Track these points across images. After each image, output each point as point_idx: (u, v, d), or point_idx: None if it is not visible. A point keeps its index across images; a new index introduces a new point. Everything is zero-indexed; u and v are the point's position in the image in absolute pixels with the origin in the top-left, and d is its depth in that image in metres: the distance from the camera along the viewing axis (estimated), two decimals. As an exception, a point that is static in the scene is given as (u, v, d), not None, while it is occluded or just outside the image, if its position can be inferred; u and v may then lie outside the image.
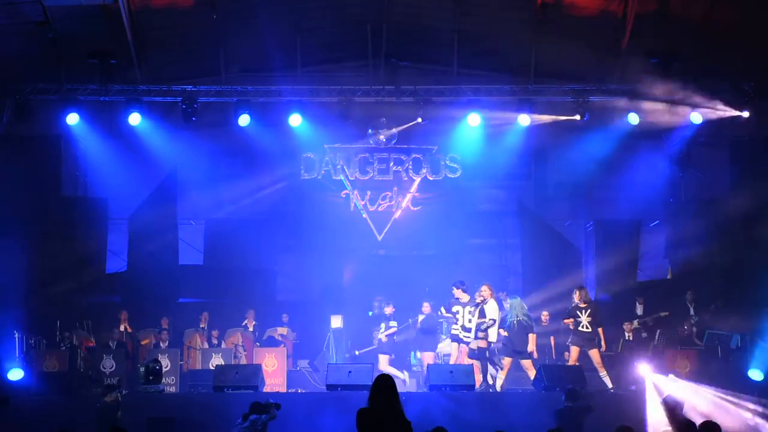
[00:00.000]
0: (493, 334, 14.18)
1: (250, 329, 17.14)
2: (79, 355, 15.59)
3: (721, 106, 16.69)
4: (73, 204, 17.61)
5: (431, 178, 19.03)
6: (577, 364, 14.16)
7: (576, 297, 14.43)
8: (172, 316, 17.47)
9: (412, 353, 16.35)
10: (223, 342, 16.82)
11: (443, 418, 11.64)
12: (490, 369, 14.30)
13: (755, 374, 13.90)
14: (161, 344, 16.60)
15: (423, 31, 17.85)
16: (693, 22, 16.04)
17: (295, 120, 17.01)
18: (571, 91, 16.95)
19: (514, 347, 14.18)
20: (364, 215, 19.10)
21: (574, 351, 14.31)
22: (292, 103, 16.96)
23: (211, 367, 15.28)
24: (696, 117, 16.53)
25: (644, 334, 16.45)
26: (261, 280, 18.76)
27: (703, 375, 14.21)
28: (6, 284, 15.67)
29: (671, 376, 13.79)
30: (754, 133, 17.12)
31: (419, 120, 17.19)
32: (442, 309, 14.85)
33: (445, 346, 15.73)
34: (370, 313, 16.37)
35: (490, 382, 14.24)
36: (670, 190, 18.53)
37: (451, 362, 14.62)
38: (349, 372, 13.62)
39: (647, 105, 16.63)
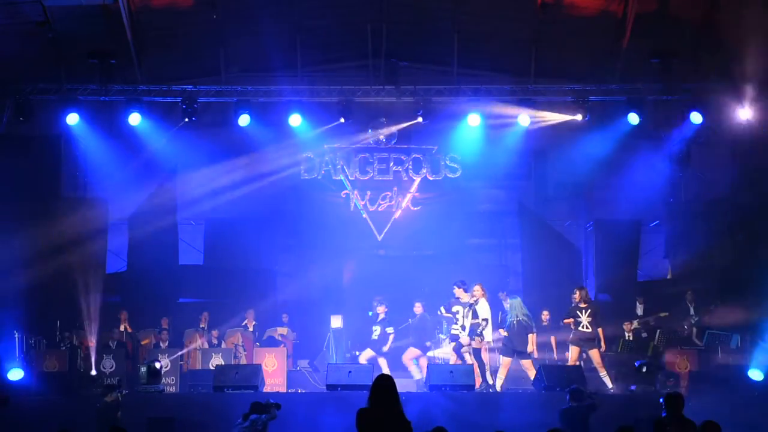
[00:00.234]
0: (488, 334, 14.20)
1: (250, 329, 17.14)
2: (79, 355, 15.60)
3: (720, 106, 16.70)
4: (73, 204, 17.60)
5: (431, 178, 19.04)
6: (577, 364, 14.17)
7: (576, 297, 14.42)
8: (172, 316, 17.48)
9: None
10: (223, 342, 16.82)
11: (443, 418, 11.65)
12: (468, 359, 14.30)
13: (755, 374, 13.89)
14: (161, 344, 16.60)
15: (423, 31, 17.84)
16: (693, 22, 16.04)
17: (295, 120, 17.00)
18: (571, 91, 16.95)
19: (514, 347, 14.18)
20: (364, 215, 19.11)
21: (574, 351, 14.31)
22: (292, 103, 16.95)
23: (211, 367, 15.28)
24: (696, 117, 16.52)
25: (644, 334, 16.44)
26: (261, 280, 18.76)
27: (703, 375, 14.22)
28: (6, 284, 15.65)
29: None
30: (754, 133, 17.11)
31: (420, 119, 17.16)
32: (442, 309, 14.84)
33: (441, 352, 15.78)
34: (370, 313, 16.34)
35: (490, 381, 14.25)
36: (670, 190, 18.52)
37: (451, 362, 14.63)
38: (349, 372, 13.63)
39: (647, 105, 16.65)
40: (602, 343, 14.32)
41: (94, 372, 15.13)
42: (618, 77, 16.73)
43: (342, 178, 19.02)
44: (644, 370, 13.78)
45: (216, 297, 18.21)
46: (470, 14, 17.01)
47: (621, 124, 16.89)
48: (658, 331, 16.29)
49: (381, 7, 17.10)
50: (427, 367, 14.30)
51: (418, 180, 19.08)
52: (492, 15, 17.02)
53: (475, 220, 19.27)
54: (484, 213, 19.48)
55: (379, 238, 19.13)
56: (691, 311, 16.67)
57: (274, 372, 15.67)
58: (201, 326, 17.05)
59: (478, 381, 13.95)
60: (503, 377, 14.20)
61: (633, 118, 16.59)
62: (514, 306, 14.35)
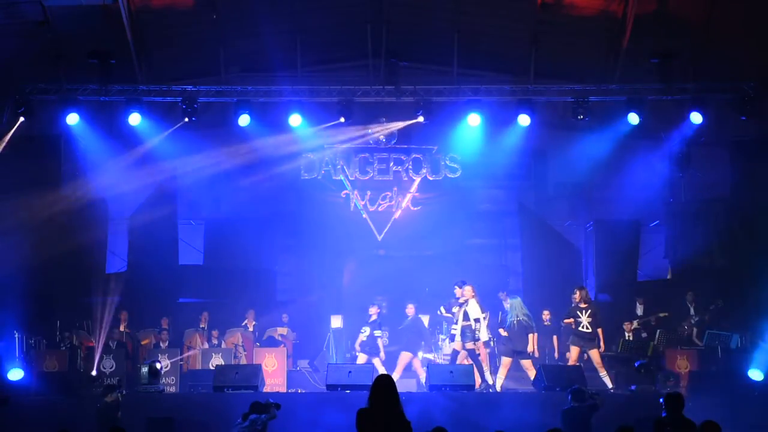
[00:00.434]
0: (483, 333, 14.20)
1: (250, 329, 17.15)
2: (79, 355, 15.60)
3: (721, 106, 16.70)
4: (73, 204, 17.60)
5: (431, 178, 19.04)
6: (577, 364, 14.17)
7: (576, 297, 14.43)
8: (172, 316, 17.48)
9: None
10: (223, 342, 16.82)
11: (443, 418, 11.65)
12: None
13: (755, 374, 13.88)
14: (161, 344, 16.60)
15: (423, 31, 17.85)
16: (693, 22, 16.02)
17: (295, 120, 16.99)
18: (571, 91, 16.94)
19: (514, 347, 14.19)
20: (364, 215, 19.11)
21: (574, 351, 14.32)
22: (292, 103, 16.94)
23: (211, 367, 15.28)
24: (696, 117, 16.51)
25: (644, 334, 16.45)
26: (261, 280, 18.76)
27: (703, 375, 14.22)
28: (6, 284, 15.66)
29: None
30: (755, 133, 17.11)
31: (420, 119, 17.16)
32: (442, 309, 14.86)
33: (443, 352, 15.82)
34: (384, 311, 16.36)
35: (490, 381, 14.25)
36: (670, 190, 18.52)
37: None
38: (349, 372, 13.64)
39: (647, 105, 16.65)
40: (602, 344, 14.32)
41: (94, 372, 15.13)
42: (618, 77, 16.71)
43: (342, 178, 19.02)
44: (644, 370, 13.78)
45: (216, 297, 18.21)
46: (470, 14, 17.01)
47: (621, 125, 16.87)
48: (658, 331, 16.29)
49: (381, 7, 17.10)
50: (427, 367, 14.29)
51: (418, 180, 19.08)
52: (492, 15, 17.02)
53: (475, 220, 19.28)
54: (484, 213, 19.49)
55: (379, 238, 19.13)
56: (691, 311, 16.67)
57: (274, 372, 15.67)
58: (201, 326, 17.05)
59: (478, 382, 13.95)
60: (503, 377, 14.20)
61: (633, 119, 16.58)
62: (515, 306, 14.36)
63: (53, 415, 12.34)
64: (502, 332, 14.37)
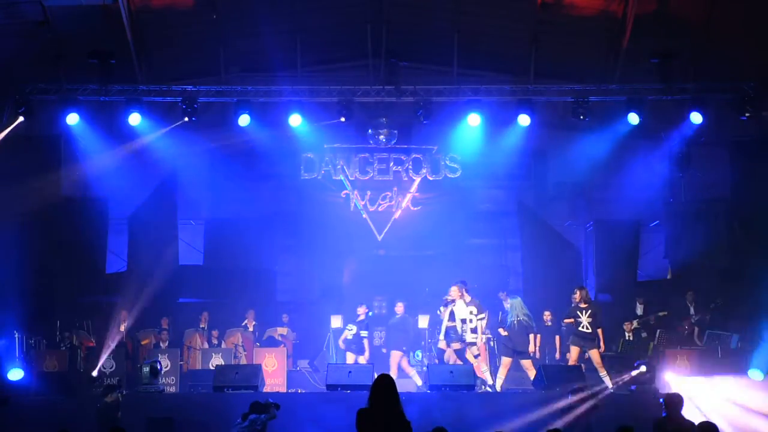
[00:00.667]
0: (469, 335, 14.20)
1: (250, 329, 17.14)
2: (79, 355, 15.59)
3: (721, 106, 16.70)
4: (73, 204, 17.60)
5: (431, 178, 19.03)
6: (577, 364, 14.16)
7: (576, 297, 14.43)
8: (172, 316, 17.48)
9: (411, 353, 16.35)
10: (223, 342, 16.82)
11: (443, 418, 11.64)
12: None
13: (755, 374, 13.88)
14: (161, 344, 16.60)
15: (423, 31, 17.84)
16: (693, 22, 16.02)
17: (295, 120, 16.99)
18: (571, 91, 16.94)
19: (515, 347, 14.19)
20: (364, 215, 19.11)
21: (575, 351, 14.31)
22: (292, 103, 16.94)
23: (211, 367, 15.28)
24: (696, 117, 16.51)
25: (644, 334, 16.45)
26: (261, 280, 18.77)
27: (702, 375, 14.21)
28: (6, 284, 15.66)
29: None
30: (755, 133, 17.11)
31: (421, 119, 17.15)
32: (442, 309, 14.84)
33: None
34: (371, 313, 16.38)
35: (490, 381, 14.25)
36: (670, 190, 18.52)
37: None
38: (349, 372, 13.65)
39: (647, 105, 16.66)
40: (602, 344, 14.32)
41: (95, 372, 15.13)
42: (618, 77, 16.72)
43: (342, 178, 19.01)
44: (644, 369, 13.77)
45: (216, 297, 18.21)
46: (470, 14, 17.00)
47: (621, 125, 16.88)
48: (658, 331, 16.29)
49: (381, 7, 17.10)
50: (427, 366, 14.29)
51: (418, 180, 19.07)
52: (492, 15, 17.02)
53: (475, 220, 19.28)
54: (484, 213, 19.49)
55: (379, 238, 19.13)
56: (691, 311, 16.68)
57: (274, 372, 15.68)
58: (201, 326, 17.05)
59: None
60: (503, 377, 14.20)
61: (633, 119, 16.58)
62: (515, 306, 14.36)
63: (53, 415, 12.33)
64: (502, 332, 14.37)
